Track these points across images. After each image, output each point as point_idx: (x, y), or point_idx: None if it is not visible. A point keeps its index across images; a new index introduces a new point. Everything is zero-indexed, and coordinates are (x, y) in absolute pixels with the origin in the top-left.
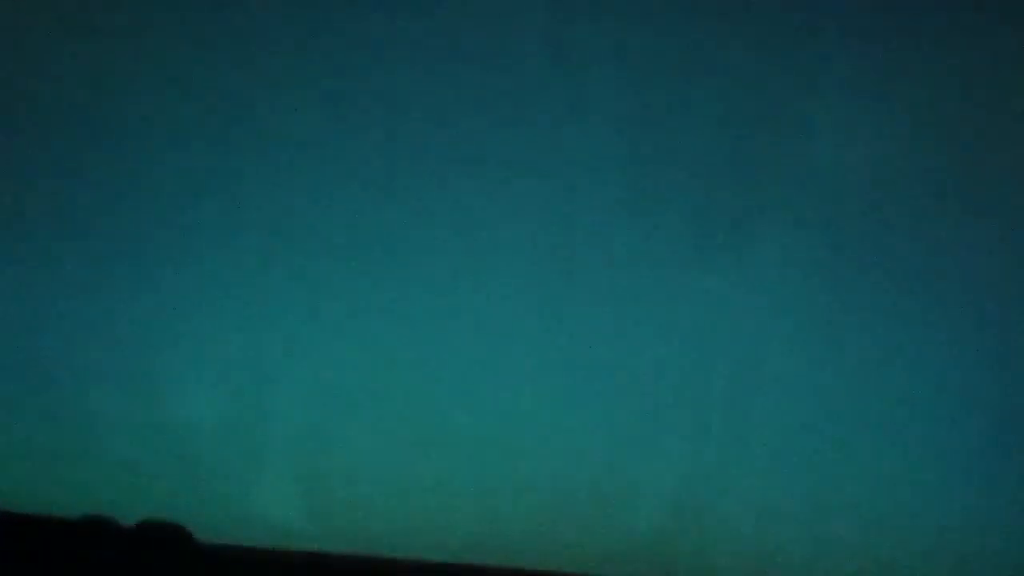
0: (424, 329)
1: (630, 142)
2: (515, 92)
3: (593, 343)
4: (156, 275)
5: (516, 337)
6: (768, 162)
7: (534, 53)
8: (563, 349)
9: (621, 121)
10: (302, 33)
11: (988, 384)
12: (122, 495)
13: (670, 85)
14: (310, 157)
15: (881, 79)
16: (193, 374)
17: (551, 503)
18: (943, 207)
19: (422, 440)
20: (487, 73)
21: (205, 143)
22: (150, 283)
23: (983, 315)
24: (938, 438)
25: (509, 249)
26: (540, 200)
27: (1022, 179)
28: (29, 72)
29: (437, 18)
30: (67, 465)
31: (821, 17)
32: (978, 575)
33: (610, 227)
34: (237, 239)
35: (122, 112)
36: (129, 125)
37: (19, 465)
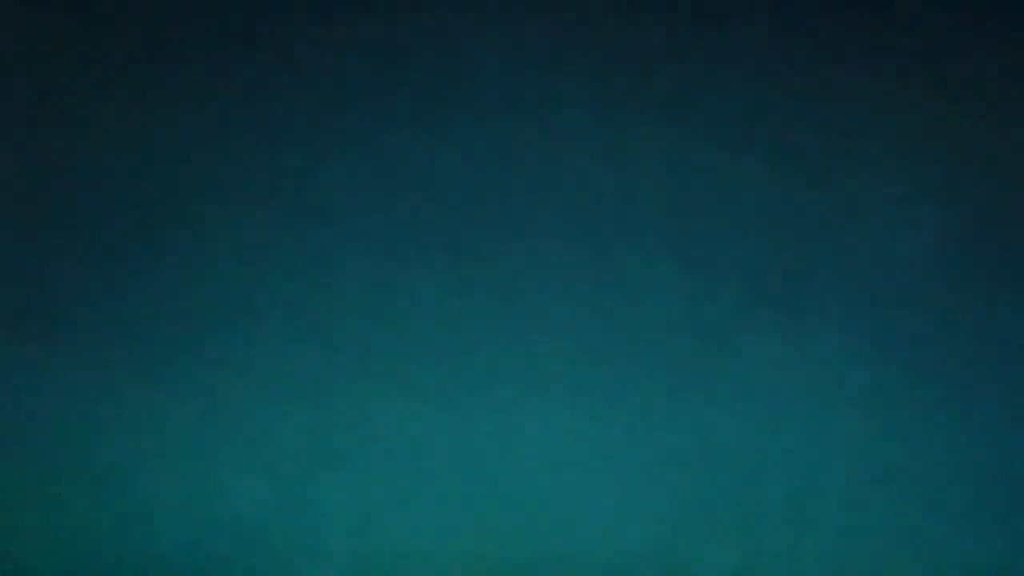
0: (472, 409)
1: (678, 219)
2: (557, 152)
3: (648, 419)
4: (209, 370)
5: (568, 416)
6: (823, 242)
7: (575, 108)
8: (617, 427)
9: (671, 183)
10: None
11: None
12: None
13: (723, 143)
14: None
15: (943, 154)
16: (241, 463)
17: None
18: (1005, 280)
19: (476, 525)
20: (523, 135)
21: (269, 243)
22: (200, 371)
23: None
24: (1008, 516)
25: (550, 332)
26: (586, 265)
27: None
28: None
29: (476, 76)
30: (119, 555)
31: (877, 89)
32: None
33: (656, 308)
34: (290, 338)
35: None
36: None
37: (65, 555)
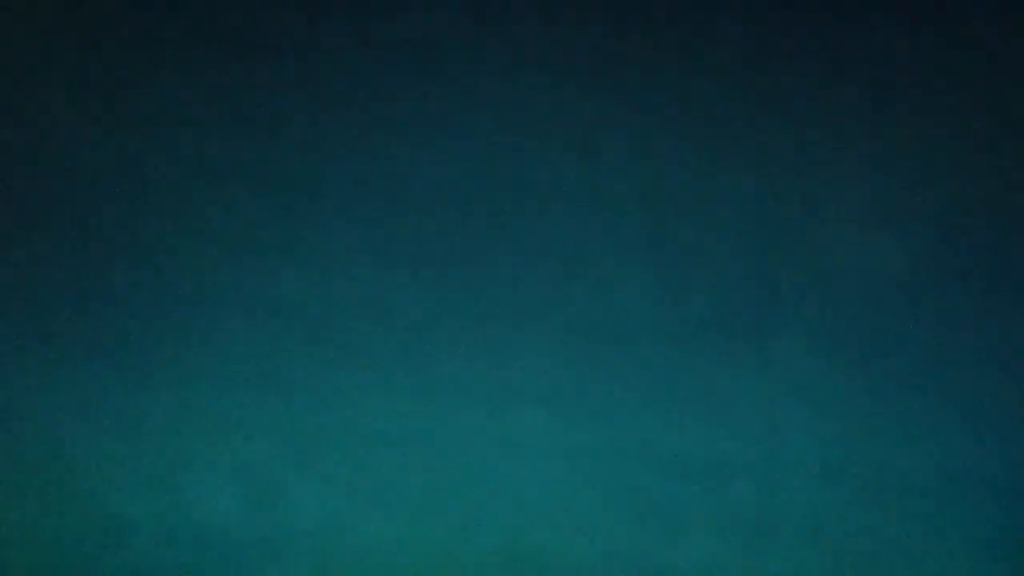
0: (450, 413)
1: (653, 228)
2: (530, 174)
3: (618, 427)
4: (180, 370)
5: (540, 422)
6: (794, 251)
7: (552, 113)
8: (587, 434)
9: (646, 189)
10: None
11: (1019, 477)
12: None
13: (695, 169)
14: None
15: (911, 168)
16: (214, 462)
17: None
18: (974, 301)
19: (450, 528)
20: (501, 138)
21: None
22: (172, 370)
23: (1014, 414)
24: (966, 527)
25: (527, 335)
26: (559, 284)
27: None
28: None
29: (455, 98)
30: (86, 565)
31: (849, 103)
32: None
33: (631, 314)
34: (264, 340)
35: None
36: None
37: (31, 557)
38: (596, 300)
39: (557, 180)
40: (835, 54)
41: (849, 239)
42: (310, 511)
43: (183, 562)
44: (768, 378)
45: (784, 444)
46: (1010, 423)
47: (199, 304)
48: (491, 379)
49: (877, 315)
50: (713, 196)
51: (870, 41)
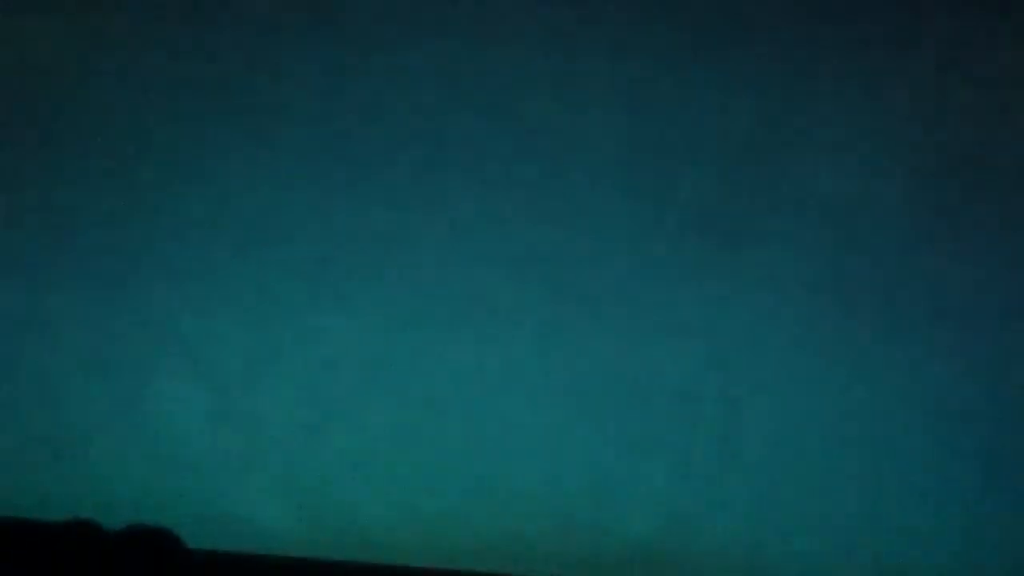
0: (414, 331)
1: (629, 146)
2: (507, 85)
3: (588, 348)
4: (143, 272)
5: (509, 342)
6: (766, 170)
7: (531, 48)
8: (558, 355)
9: (620, 123)
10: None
11: (986, 400)
12: (108, 498)
13: (679, 77)
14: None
15: (880, 96)
16: (180, 374)
17: (543, 509)
18: (941, 219)
19: (413, 444)
20: (481, 75)
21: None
22: (136, 280)
23: (981, 329)
24: (935, 452)
25: (503, 254)
26: (535, 203)
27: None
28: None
29: (439, 57)
30: (50, 468)
31: (821, 39)
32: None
33: (605, 231)
34: (226, 239)
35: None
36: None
37: None
38: (569, 227)
39: (534, 94)
40: None
41: (836, 166)
42: (276, 420)
43: (148, 463)
44: (735, 307)
45: (747, 375)
46: (993, 357)
47: (164, 220)
48: (460, 302)
49: (851, 246)
50: (692, 119)
51: None
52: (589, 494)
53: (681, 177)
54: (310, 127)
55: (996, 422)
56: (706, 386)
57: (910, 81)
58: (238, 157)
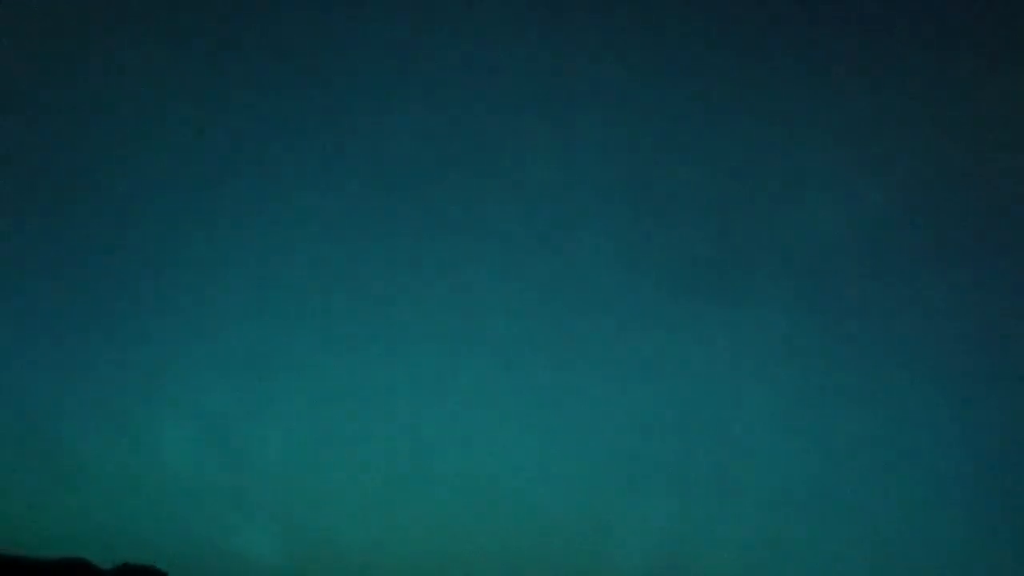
0: (405, 375)
1: (621, 185)
2: (506, 149)
3: (582, 394)
4: (141, 313)
5: (506, 387)
6: (760, 218)
7: (527, 106)
8: (553, 401)
9: (618, 172)
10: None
11: (985, 446)
12: (101, 537)
13: (667, 136)
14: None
15: (875, 139)
16: (173, 419)
17: (534, 549)
18: (931, 265)
19: (403, 483)
20: (480, 129)
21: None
22: (135, 328)
23: (975, 377)
24: (924, 498)
25: (501, 301)
26: (534, 254)
27: (1019, 239)
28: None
29: (438, 92)
30: (44, 506)
31: (818, 76)
32: None
33: (602, 280)
34: (222, 283)
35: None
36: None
37: None
38: (561, 267)
39: (527, 143)
40: (797, 25)
41: (810, 208)
42: (269, 458)
43: (141, 503)
44: (727, 344)
45: (743, 408)
46: (984, 390)
47: (156, 257)
48: (452, 335)
49: (837, 282)
50: (678, 160)
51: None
52: (581, 535)
53: (676, 226)
54: (308, 190)
55: (982, 491)
56: (700, 420)
57: (909, 127)
58: (238, 216)
